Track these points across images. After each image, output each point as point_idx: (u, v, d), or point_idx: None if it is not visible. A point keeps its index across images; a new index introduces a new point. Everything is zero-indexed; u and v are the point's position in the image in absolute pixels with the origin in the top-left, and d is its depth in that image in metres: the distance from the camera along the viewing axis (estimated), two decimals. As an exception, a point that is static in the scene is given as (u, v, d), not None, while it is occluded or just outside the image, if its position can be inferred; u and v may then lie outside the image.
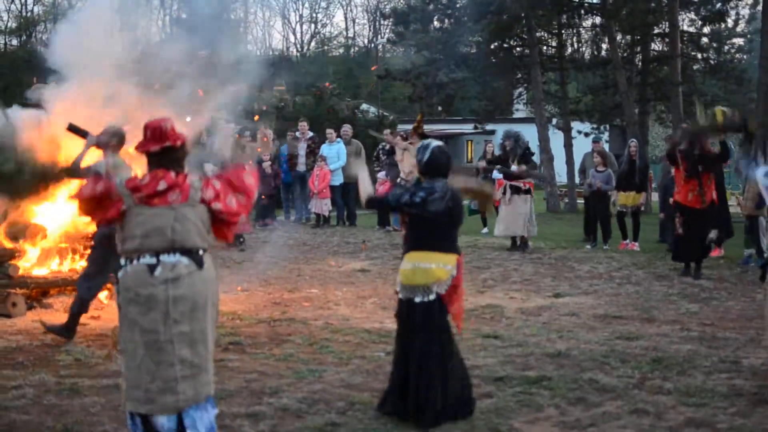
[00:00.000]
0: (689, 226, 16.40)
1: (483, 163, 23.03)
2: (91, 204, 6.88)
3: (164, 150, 6.91)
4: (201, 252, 6.85)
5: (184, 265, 6.72)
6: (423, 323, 7.97)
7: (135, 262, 6.74)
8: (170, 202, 6.78)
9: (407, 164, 21.96)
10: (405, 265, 8.16)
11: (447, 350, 8.05)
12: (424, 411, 7.87)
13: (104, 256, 10.83)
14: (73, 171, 11.19)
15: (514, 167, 20.26)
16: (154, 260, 6.70)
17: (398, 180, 22.83)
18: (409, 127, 33.36)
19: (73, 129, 11.49)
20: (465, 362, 8.51)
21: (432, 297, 7.97)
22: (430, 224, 8.04)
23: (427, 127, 21.87)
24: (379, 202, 8.75)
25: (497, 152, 23.54)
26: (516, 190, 20.35)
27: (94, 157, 11.17)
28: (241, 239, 20.62)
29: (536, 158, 25.69)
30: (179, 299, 6.65)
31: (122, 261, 6.86)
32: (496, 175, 23.16)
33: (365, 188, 8.55)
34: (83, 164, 11.07)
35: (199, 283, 6.76)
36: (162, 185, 6.79)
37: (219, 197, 6.94)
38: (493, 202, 9.23)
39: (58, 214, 13.50)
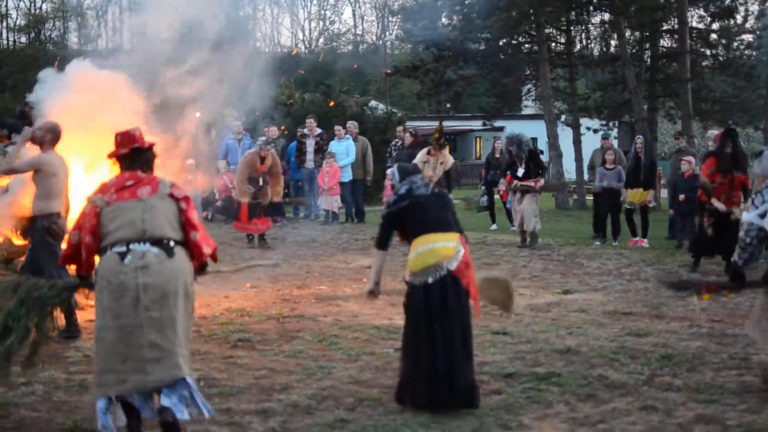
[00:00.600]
0: (721, 227, 16.29)
1: (502, 187, 22.96)
2: (90, 236, 7.23)
3: (133, 152, 7.42)
4: (172, 243, 7.18)
5: (153, 254, 7.03)
6: (440, 304, 8.10)
7: (108, 251, 7.09)
8: (139, 196, 7.21)
9: (427, 174, 21.85)
10: (410, 255, 8.39)
11: (467, 331, 8.24)
12: (460, 391, 8.06)
13: (48, 248, 10.89)
14: (8, 169, 11.27)
15: (521, 171, 20.16)
16: (124, 248, 7.03)
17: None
18: (418, 124, 33.37)
19: (7, 125, 11.49)
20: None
21: (443, 273, 8.13)
22: (421, 211, 8.40)
23: (435, 125, 21.72)
24: (380, 235, 8.89)
25: (504, 154, 23.46)
26: (524, 190, 20.21)
27: (30, 152, 11.21)
28: (263, 238, 20.61)
29: (544, 157, 25.61)
30: (149, 286, 6.94)
31: (100, 256, 7.21)
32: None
33: (368, 286, 9.19)
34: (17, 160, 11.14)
35: (168, 272, 7.05)
36: (129, 182, 7.28)
37: (187, 200, 7.39)
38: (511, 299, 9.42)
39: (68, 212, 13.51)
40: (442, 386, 8.04)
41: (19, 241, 13.25)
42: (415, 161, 22.79)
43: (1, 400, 8.30)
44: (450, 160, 21.00)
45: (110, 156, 7.53)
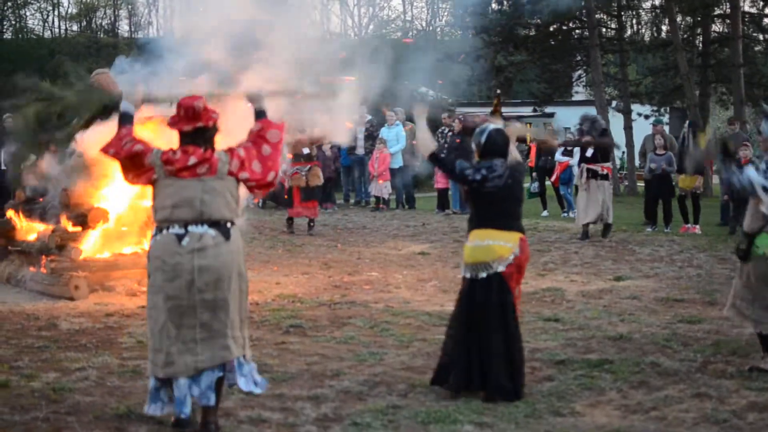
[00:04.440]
0: None
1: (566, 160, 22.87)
2: (127, 161, 7.23)
3: (196, 129, 7.23)
4: (228, 224, 7.18)
5: (210, 237, 7.04)
6: (484, 301, 8.08)
7: (164, 231, 7.10)
8: (199, 175, 7.11)
9: None
10: (468, 243, 8.30)
11: (509, 331, 8.13)
12: (488, 388, 8.04)
13: None
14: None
15: (590, 150, 19.74)
16: (182, 230, 7.05)
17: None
18: (468, 110, 33.33)
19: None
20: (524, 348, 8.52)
21: (492, 272, 8.07)
22: (490, 201, 8.19)
23: (485, 111, 21.72)
24: (443, 163, 8.77)
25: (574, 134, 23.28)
26: (593, 175, 19.48)
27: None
28: (312, 223, 20.66)
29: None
30: (204, 269, 6.98)
31: (153, 231, 7.27)
32: (559, 158, 23.08)
33: (426, 144, 8.80)
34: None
35: (225, 254, 7.08)
36: (192, 160, 7.12)
37: (244, 166, 7.26)
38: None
39: (119, 198, 13.61)
40: (475, 380, 8.14)
41: (73, 228, 13.39)
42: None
43: (56, 385, 8.37)
44: (522, 130, 20.88)
45: (171, 126, 7.38)
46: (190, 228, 7.04)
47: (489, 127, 8.50)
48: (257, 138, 7.44)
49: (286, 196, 20.61)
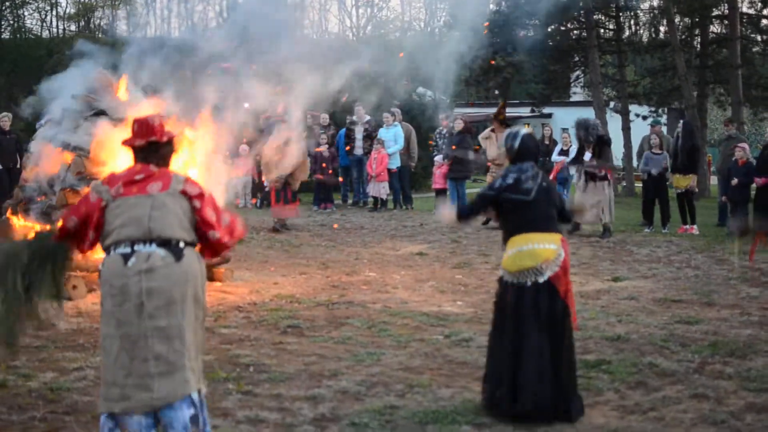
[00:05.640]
0: None
1: (562, 159, 22.92)
2: (86, 220, 6.64)
3: (150, 144, 6.73)
4: (181, 244, 6.49)
5: (159, 257, 6.38)
6: (533, 310, 7.67)
7: (111, 252, 6.48)
8: (148, 192, 6.53)
9: (492, 151, 21.72)
10: (508, 252, 7.88)
11: (559, 341, 7.72)
12: (536, 408, 7.58)
13: None
14: None
15: (588, 155, 19.80)
16: (128, 249, 6.39)
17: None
18: (465, 110, 33.34)
19: None
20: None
21: (542, 279, 7.70)
22: (526, 205, 7.88)
23: (484, 111, 21.81)
24: (470, 207, 8.39)
25: (557, 140, 23.38)
26: (591, 177, 19.66)
27: None
28: (284, 223, 20.87)
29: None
30: (153, 291, 6.30)
31: (104, 255, 6.60)
32: (555, 158, 23.13)
33: (449, 213, 8.43)
34: None
35: (176, 275, 6.39)
36: (139, 176, 6.61)
37: (201, 197, 6.63)
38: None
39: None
40: (524, 401, 7.61)
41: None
42: (480, 137, 22.83)
43: (53, 385, 8.39)
44: None
45: (124, 144, 6.87)
46: (137, 247, 6.38)
47: (521, 132, 8.27)
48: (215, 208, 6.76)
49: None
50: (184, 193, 6.58)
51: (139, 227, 6.41)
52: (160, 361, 6.27)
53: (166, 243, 6.41)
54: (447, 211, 8.47)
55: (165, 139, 6.78)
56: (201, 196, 6.63)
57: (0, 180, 22.76)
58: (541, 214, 7.92)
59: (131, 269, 6.32)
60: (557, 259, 7.75)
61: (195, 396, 6.40)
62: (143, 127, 6.77)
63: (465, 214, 8.39)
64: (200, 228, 6.62)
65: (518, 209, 7.89)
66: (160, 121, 6.85)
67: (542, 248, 7.74)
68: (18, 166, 21.61)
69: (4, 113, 24.51)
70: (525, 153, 8.13)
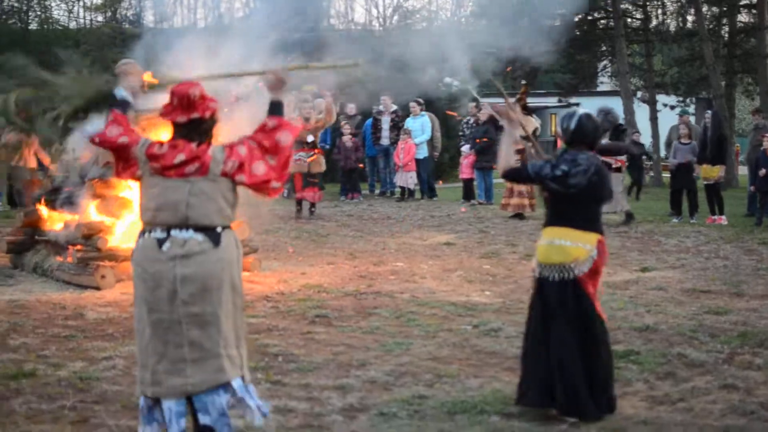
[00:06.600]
0: None
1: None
2: (113, 152, 6.52)
3: (191, 121, 6.42)
4: (219, 229, 6.33)
5: (196, 242, 6.24)
6: (558, 306, 7.46)
7: (146, 235, 6.35)
8: (187, 175, 6.30)
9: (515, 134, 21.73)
10: (541, 240, 7.65)
11: (588, 339, 7.46)
12: (571, 404, 7.38)
13: None
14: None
15: (603, 142, 19.69)
16: (164, 234, 6.27)
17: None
18: (492, 100, 33.28)
19: None
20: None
21: (568, 277, 7.45)
22: (570, 199, 7.50)
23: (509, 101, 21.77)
24: (517, 173, 7.92)
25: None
26: (607, 167, 19.57)
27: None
28: (312, 208, 21.22)
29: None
30: (187, 279, 6.19)
31: (138, 233, 6.49)
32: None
33: (505, 158, 7.87)
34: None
35: (212, 263, 6.25)
36: (179, 158, 6.32)
37: (243, 167, 6.37)
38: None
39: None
40: (558, 397, 7.43)
41: (99, 218, 13.43)
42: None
43: (83, 374, 8.41)
44: (532, 124, 21.11)
45: (163, 116, 6.53)
46: (173, 232, 6.25)
47: (579, 112, 7.81)
48: (266, 137, 6.51)
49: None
50: (224, 174, 6.36)
51: (176, 214, 6.27)
52: (195, 347, 6.21)
53: (203, 229, 6.29)
54: (505, 157, 7.96)
55: (207, 114, 6.47)
56: (241, 166, 6.38)
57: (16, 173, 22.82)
58: (582, 211, 7.58)
59: (166, 254, 6.22)
60: (589, 260, 7.50)
61: (236, 383, 6.33)
62: (184, 102, 6.42)
63: (509, 176, 7.98)
64: (253, 185, 6.44)
65: (561, 200, 7.57)
66: (201, 93, 6.47)
67: (575, 247, 7.47)
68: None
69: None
70: (582, 136, 7.70)
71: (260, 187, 6.46)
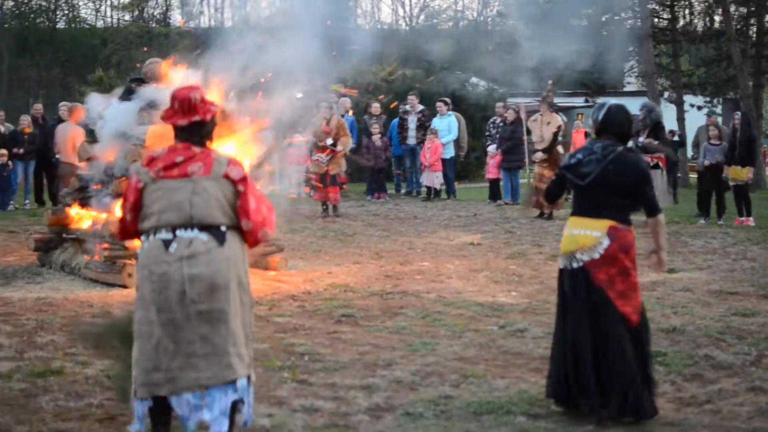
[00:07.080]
0: None
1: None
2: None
3: (192, 124, 6.48)
4: (223, 228, 6.37)
5: (201, 242, 6.28)
6: (571, 296, 7.49)
7: (151, 237, 6.36)
8: (189, 175, 6.36)
9: (536, 135, 21.86)
10: (564, 232, 7.70)
11: (599, 331, 7.39)
12: (581, 395, 7.38)
13: None
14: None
15: (641, 138, 19.60)
16: (170, 235, 6.29)
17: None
18: (518, 100, 33.26)
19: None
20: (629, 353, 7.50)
21: (576, 265, 7.47)
22: (580, 189, 7.56)
23: (535, 101, 21.81)
24: (551, 183, 8.08)
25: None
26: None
27: None
28: (334, 209, 21.90)
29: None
30: (195, 278, 6.22)
31: (141, 239, 6.49)
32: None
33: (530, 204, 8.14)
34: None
35: (219, 261, 6.29)
36: (179, 158, 6.40)
37: (245, 182, 6.43)
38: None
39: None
40: (560, 381, 7.49)
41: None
42: (528, 121, 22.89)
43: (110, 372, 8.38)
44: (557, 121, 21.19)
45: (165, 120, 6.60)
46: (179, 233, 6.28)
47: (609, 102, 7.85)
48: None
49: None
50: (227, 176, 6.40)
51: (180, 213, 6.31)
52: (206, 342, 6.24)
53: (207, 228, 6.32)
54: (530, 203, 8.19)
55: (208, 117, 6.54)
56: (245, 180, 6.44)
57: (56, 168, 22.90)
58: (594, 200, 7.53)
59: (172, 255, 6.25)
60: (597, 247, 7.42)
61: (241, 382, 6.37)
62: (184, 105, 6.50)
63: (549, 197, 8.21)
64: (238, 213, 6.43)
65: (577, 191, 7.64)
66: (201, 97, 6.56)
67: (582, 234, 7.47)
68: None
69: (63, 103, 24.65)
70: (610, 126, 7.68)
71: (246, 214, 6.43)
